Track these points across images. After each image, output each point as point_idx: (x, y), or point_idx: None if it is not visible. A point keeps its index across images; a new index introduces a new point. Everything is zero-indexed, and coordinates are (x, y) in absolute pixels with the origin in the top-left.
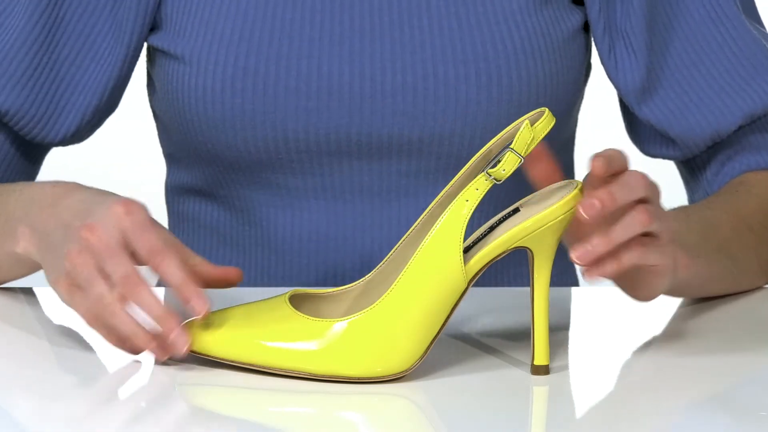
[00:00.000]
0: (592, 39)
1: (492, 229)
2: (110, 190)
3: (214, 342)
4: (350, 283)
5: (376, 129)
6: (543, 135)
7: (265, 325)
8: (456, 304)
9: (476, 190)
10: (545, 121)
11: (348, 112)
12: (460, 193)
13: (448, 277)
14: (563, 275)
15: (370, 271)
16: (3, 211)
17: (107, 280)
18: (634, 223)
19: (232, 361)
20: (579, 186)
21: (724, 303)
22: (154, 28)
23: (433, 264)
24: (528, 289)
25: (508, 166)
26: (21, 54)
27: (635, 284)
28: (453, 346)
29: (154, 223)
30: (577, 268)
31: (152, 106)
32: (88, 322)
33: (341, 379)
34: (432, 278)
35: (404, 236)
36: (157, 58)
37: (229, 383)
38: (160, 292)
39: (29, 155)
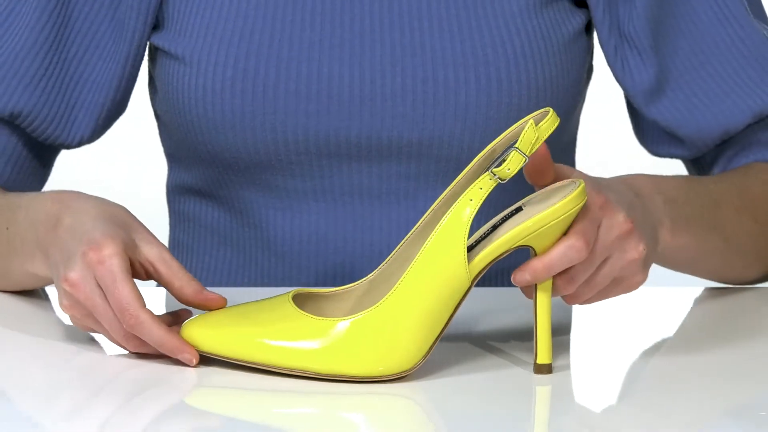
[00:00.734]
0: (598, 40)
1: (495, 228)
2: (112, 188)
3: (217, 340)
4: (350, 284)
5: (376, 132)
6: (547, 134)
7: (268, 324)
8: (459, 304)
9: (480, 189)
10: (549, 121)
11: (348, 115)
12: (464, 193)
13: (451, 276)
14: None
15: (369, 273)
16: (16, 232)
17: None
18: (570, 255)
19: (236, 360)
20: (581, 185)
21: (726, 303)
22: (156, 27)
23: (436, 263)
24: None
25: (512, 165)
26: (32, 54)
27: (612, 292)
28: (455, 345)
29: (125, 269)
30: None
31: (153, 106)
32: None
33: (344, 379)
34: (436, 277)
35: (407, 235)
36: (159, 57)
37: (231, 382)
38: (160, 293)
39: (41, 158)
